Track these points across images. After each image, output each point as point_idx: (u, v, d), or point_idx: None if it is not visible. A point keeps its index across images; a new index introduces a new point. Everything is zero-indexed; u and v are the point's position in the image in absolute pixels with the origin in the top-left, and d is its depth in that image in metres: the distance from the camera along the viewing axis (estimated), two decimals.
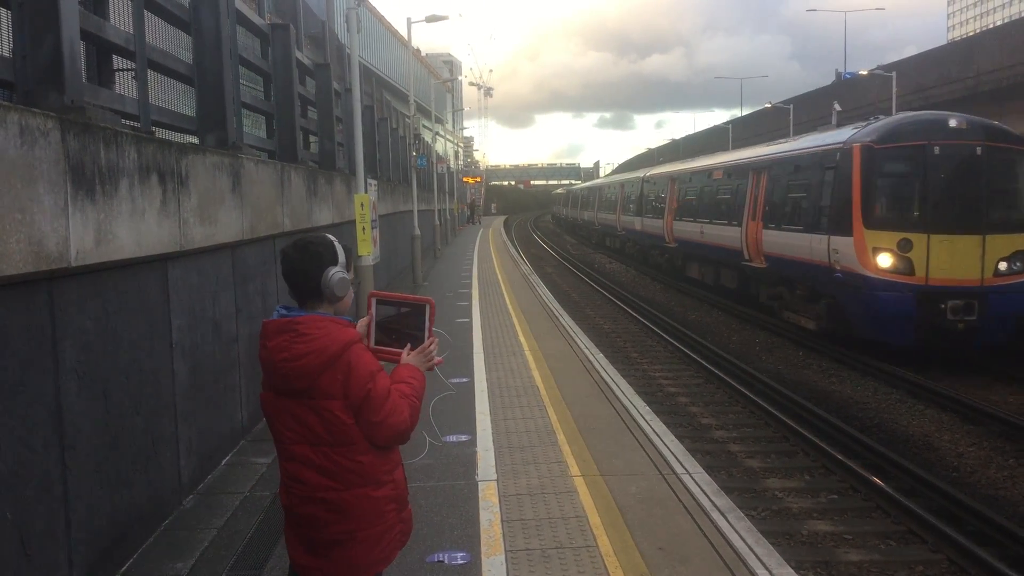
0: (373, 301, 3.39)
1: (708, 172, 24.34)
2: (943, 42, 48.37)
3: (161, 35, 7.95)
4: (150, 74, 7.03)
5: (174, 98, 8.40)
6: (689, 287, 26.14)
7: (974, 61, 31.91)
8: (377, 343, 3.36)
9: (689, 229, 25.22)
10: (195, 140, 7.90)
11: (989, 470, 9.27)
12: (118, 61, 6.83)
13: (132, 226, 5.31)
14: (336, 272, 3.13)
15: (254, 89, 11.50)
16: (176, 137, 8.37)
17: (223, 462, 7.22)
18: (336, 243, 3.21)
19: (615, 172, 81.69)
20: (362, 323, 3.38)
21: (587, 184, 65.06)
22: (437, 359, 3.41)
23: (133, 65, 6.64)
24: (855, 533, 7.68)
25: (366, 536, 3.16)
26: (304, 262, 3.12)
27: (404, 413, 3.13)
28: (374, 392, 3.05)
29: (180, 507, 6.20)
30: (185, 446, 6.37)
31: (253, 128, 11.73)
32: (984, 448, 9.91)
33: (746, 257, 19.70)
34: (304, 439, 3.12)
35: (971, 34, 35.56)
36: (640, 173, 36.73)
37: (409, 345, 3.35)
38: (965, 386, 12.82)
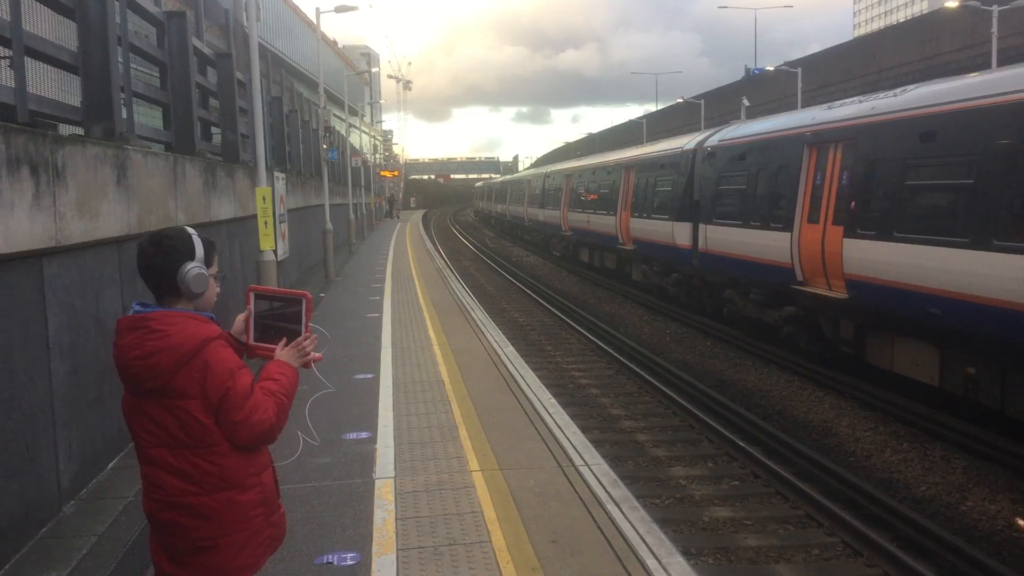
0: (252, 296, 3.25)
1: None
2: (849, 39, 49.82)
3: (45, 21, 7.60)
4: (32, 62, 6.69)
5: (68, 88, 8.03)
6: (599, 277, 26.52)
7: (876, 57, 33.01)
8: (256, 340, 3.23)
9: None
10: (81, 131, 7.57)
11: (885, 454, 9.57)
12: None
13: None
14: (193, 268, 2.98)
15: (150, 78, 11.09)
16: (69, 130, 8.02)
17: (109, 466, 6.92)
18: (195, 236, 3.06)
19: (533, 166, 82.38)
20: (240, 319, 3.25)
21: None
22: (315, 355, 3.29)
23: (9, 52, 6.29)
24: (755, 519, 7.82)
25: (231, 543, 3.03)
26: (158, 257, 2.97)
27: (269, 412, 3.00)
28: (234, 390, 2.92)
29: (60, 514, 5.91)
30: (65, 450, 6.07)
31: (150, 119, 11.32)
32: (880, 433, 10.23)
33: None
34: (161, 442, 2.98)
35: (874, 32, 36.83)
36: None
37: (284, 340, 3.22)
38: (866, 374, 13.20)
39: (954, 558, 6.67)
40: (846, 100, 13.84)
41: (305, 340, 3.23)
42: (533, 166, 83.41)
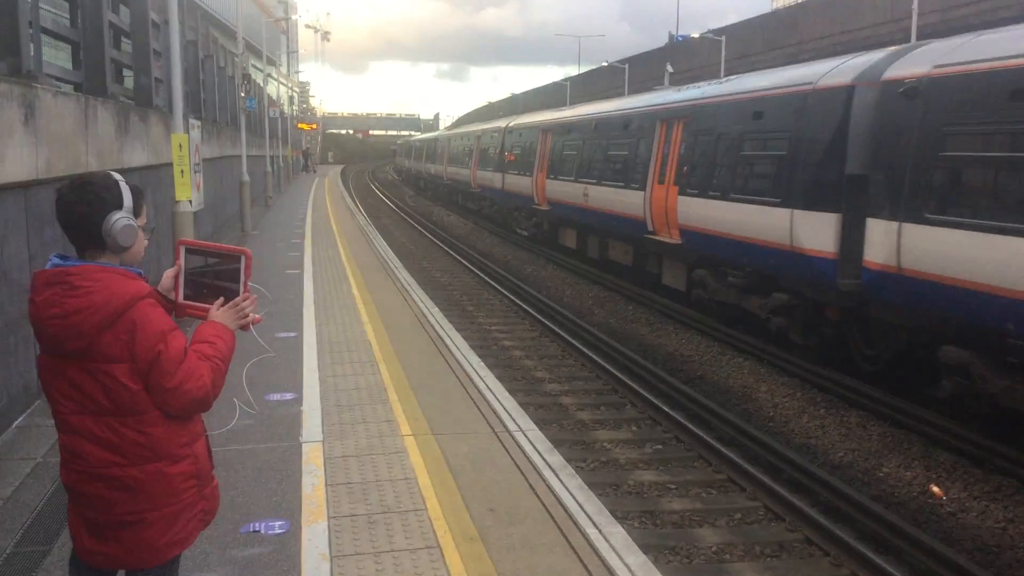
0: (182, 250, 2.99)
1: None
2: (766, 11, 50.46)
3: None
4: None
5: None
6: (521, 240, 26.38)
7: (799, 28, 33.52)
8: (186, 298, 2.98)
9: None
10: None
11: (803, 419, 9.78)
12: None
13: None
14: (120, 218, 2.70)
15: (59, 16, 10.39)
16: None
17: (13, 424, 6.51)
18: (123, 183, 2.77)
19: (456, 125, 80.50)
20: (168, 275, 2.98)
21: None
22: (254, 317, 3.05)
23: None
24: (678, 483, 7.89)
25: (159, 517, 2.81)
26: (80, 206, 2.67)
27: (204, 378, 2.77)
28: (165, 354, 2.67)
29: None
30: None
31: (56, 58, 10.62)
32: (798, 399, 10.45)
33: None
34: (83, 408, 2.72)
35: (798, 3, 37.29)
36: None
37: (221, 300, 2.97)
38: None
39: (873, 523, 6.83)
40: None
41: (244, 300, 2.99)
42: (455, 125, 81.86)
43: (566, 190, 21.34)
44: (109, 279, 2.65)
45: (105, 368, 2.66)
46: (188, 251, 3.00)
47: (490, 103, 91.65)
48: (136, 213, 2.80)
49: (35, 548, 4.56)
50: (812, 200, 10.88)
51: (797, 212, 11.08)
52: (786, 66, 16.05)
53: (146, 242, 2.90)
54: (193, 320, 3.00)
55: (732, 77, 16.14)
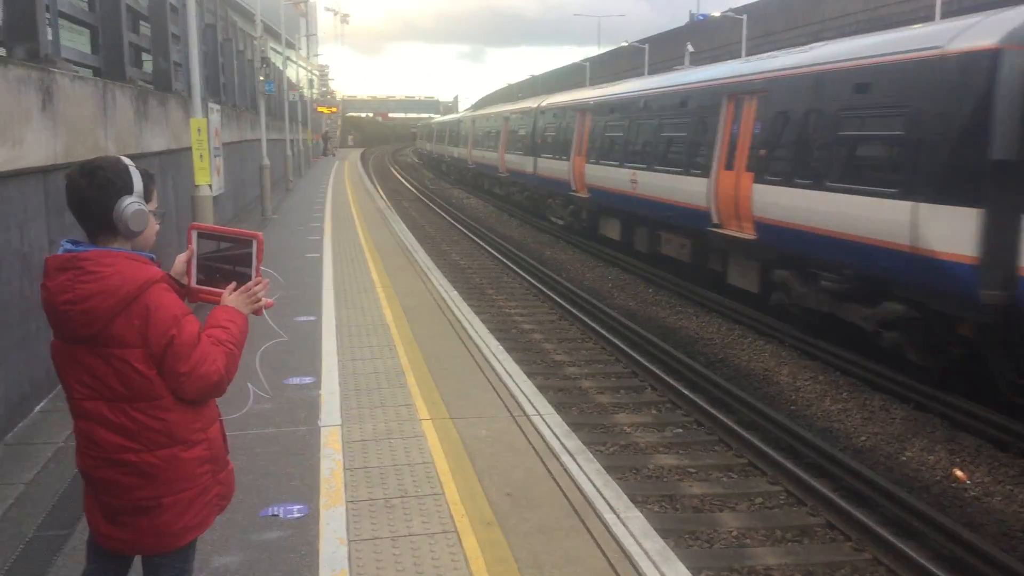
0: (194, 234, 2.98)
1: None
2: None
3: None
4: None
5: None
6: (541, 223, 26.12)
7: (821, 7, 33.08)
8: (198, 283, 2.96)
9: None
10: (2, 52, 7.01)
11: (825, 403, 9.69)
12: None
13: None
14: (131, 203, 2.68)
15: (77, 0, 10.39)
16: None
17: (36, 409, 6.57)
18: (132, 167, 2.75)
19: (476, 107, 79.94)
20: (181, 259, 2.97)
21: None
22: (266, 301, 3.03)
23: None
24: (699, 467, 7.84)
25: (174, 501, 2.80)
26: (91, 190, 2.66)
27: (218, 362, 2.76)
28: (179, 339, 2.66)
29: None
30: None
31: (76, 43, 10.64)
32: (820, 382, 10.35)
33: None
34: (97, 394, 2.71)
35: None
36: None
37: (233, 285, 2.96)
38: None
39: (895, 508, 6.76)
40: None
41: (256, 285, 2.97)
42: (475, 107, 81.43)
43: (609, 176, 19.28)
44: (121, 264, 2.64)
45: (118, 353, 2.65)
46: (200, 235, 2.98)
47: (509, 85, 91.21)
48: (147, 198, 2.78)
49: (56, 532, 4.59)
50: (943, 191, 8.94)
51: (922, 206, 9.13)
52: (893, 29, 12.67)
53: (157, 227, 2.88)
54: (205, 305, 2.98)
55: (817, 44, 13.53)
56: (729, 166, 13.74)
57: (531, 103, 29.97)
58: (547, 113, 26.28)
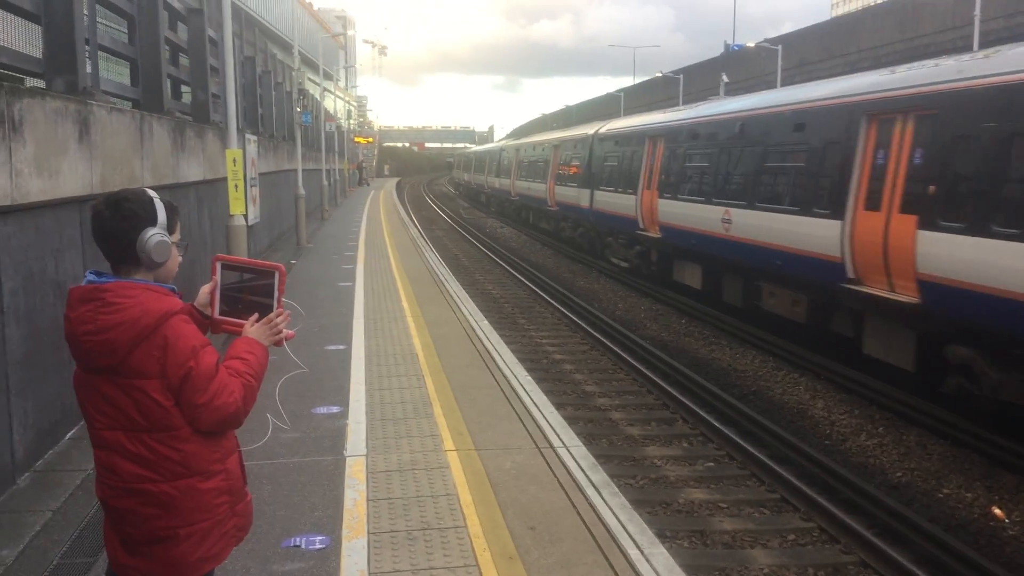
0: (218, 265, 3.01)
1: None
2: (823, 19, 49.67)
3: None
4: None
5: (35, 39, 7.62)
6: (572, 252, 26.06)
7: (856, 37, 32.93)
8: (222, 313, 2.99)
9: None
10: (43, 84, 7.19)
11: (860, 438, 9.50)
12: None
13: None
14: (154, 234, 2.71)
15: (118, 32, 10.64)
16: (33, 84, 7.63)
17: (67, 436, 6.64)
18: (156, 199, 2.79)
19: (512, 136, 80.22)
20: (204, 290, 3.00)
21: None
22: (287, 333, 3.04)
23: None
24: (730, 501, 7.71)
25: (190, 532, 2.79)
26: (115, 221, 2.69)
27: (235, 394, 2.76)
28: (196, 370, 2.67)
29: (13, 487, 5.64)
30: (20, 420, 5.78)
31: (117, 75, 10.89)
32: (856, 416, 10.16)
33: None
34: (116, 424, 2.72)
35: (856, 11, 36.77)
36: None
37: (256, 316, 2.98)
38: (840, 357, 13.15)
39: (931, 546, 6.59)
40: None
41: (278, 316, 2.99)
42: (510, 136, 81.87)
43: (692, 213, 16.34)
44: (142, 295, 2.66)
45: (137, 384, 2.66)
46: (224, 267, 3.02)
47: (543, 115, 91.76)
48: (170, 229, 2.81)
49: (81, 560, 4.62)
50: None
51: None
52: None
53: (180, 259, 2.91)
54: (225, 336, 3.00)
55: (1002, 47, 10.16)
56: (873, 205, 10.82)
57: (587, 129, 26.65)
58: (607, 140, 23.19)
